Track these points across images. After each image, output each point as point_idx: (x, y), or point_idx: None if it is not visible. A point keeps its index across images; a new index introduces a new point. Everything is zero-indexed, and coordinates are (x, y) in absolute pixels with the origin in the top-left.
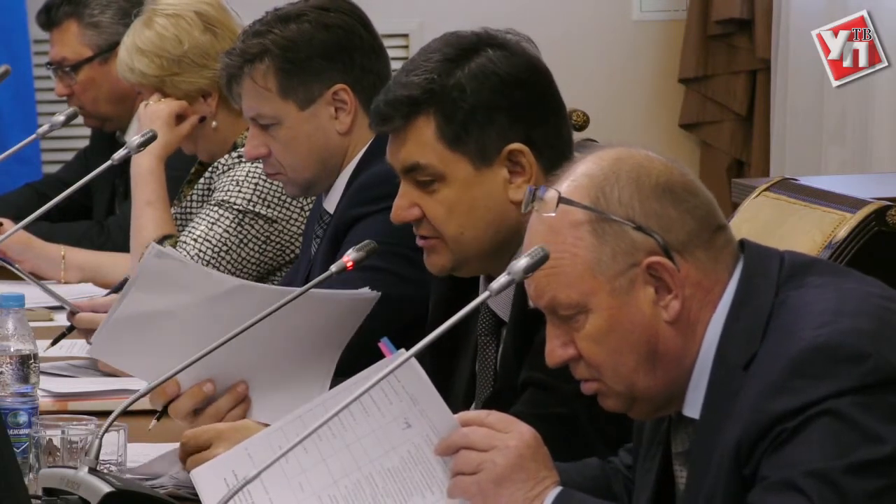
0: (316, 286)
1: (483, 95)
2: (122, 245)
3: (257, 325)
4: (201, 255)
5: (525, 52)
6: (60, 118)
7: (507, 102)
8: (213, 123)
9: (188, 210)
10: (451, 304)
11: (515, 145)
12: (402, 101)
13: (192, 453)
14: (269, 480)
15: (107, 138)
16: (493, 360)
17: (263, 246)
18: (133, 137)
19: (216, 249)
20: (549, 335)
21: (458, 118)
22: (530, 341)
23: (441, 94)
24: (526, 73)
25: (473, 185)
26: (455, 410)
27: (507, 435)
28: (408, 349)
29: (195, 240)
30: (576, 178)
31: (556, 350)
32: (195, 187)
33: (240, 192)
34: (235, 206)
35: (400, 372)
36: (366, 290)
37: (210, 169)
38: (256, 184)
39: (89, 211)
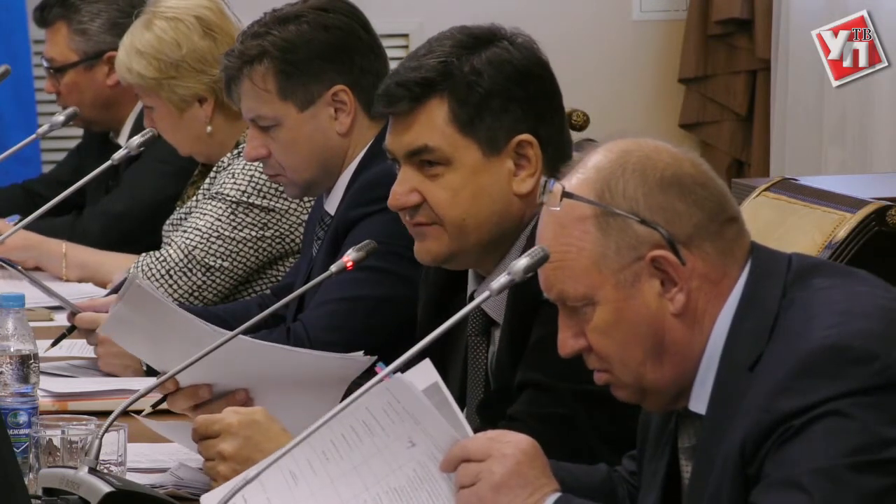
0: (315, 286)
1: (499, 82)
2: (90, 233)
3: (249, 369)
4: (188, 242)
5: (535, 49)
6: (60, 118)
7: (522, 93)
8: (208, 129)
9: (191, 210)
10: (440, 307)
11: (525, 136)
12: (415, 82)
13: (202, 439)
14: None
15: (99, 138)
16: (485, 361)
17: (261, 231)
18: (133, 138)
19: (205, 237)
20: (560, 326)
21: (472, 102)
22: (525, 342)
23: (458, 76)
24: (537, 69)
25: (480, 173)
26: None
27: (503, 444)
28: (406, 350)
29: (185, 231)
30: (585, 171)
31: (567, 341)
32: (200, 189)
33: (234, 184)
34: (229, 197)
35: (398, 393)
36: (359, 354)
37: (214, 169)
38: (252, 176)
39: (81, 208)
